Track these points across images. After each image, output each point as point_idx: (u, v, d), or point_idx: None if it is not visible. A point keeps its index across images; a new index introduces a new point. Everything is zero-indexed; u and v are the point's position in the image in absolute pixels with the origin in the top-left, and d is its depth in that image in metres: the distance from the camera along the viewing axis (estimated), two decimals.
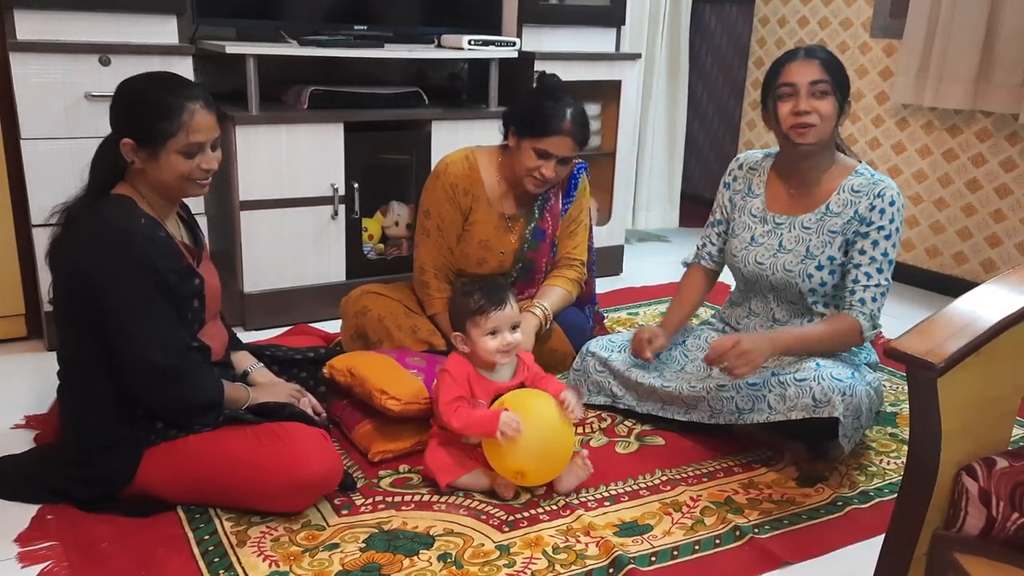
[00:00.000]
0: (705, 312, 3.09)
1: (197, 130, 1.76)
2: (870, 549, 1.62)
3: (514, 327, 1.98)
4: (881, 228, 2.05)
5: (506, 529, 1.82)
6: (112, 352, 1.74)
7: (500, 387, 1.98)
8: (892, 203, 2.05)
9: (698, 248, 2.41)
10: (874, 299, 2.05)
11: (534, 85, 2.49)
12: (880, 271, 2.05)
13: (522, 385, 2.02)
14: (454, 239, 2.44)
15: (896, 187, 2.09)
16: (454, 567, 1.68)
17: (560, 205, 2.54)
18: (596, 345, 2.36)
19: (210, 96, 1.82)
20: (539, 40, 3.33)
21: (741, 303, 2.33)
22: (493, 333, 1.95)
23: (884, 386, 2.51)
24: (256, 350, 2.20)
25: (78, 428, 1.81)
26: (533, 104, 2.35)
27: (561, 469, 1.93)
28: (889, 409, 2.46)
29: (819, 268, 2.11)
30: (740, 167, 2.31)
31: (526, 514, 1.88)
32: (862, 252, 2.06)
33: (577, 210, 2.56)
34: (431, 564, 1.69)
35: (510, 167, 2.41)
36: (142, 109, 1.75)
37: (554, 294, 2.47)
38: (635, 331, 2.31)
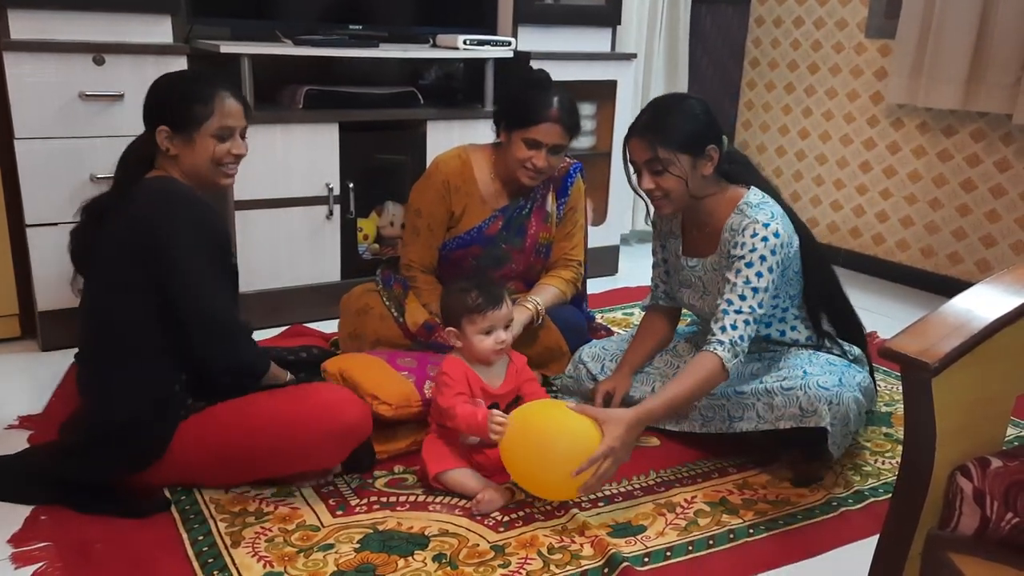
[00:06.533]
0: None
1: (229, 114, 1.89)
2: (865, 549, 1.62)
3: (507, 325, 1.99)
4: (741, 257, 1.94)
5: (501, 529, 1.81)
6: (174, 308, 1.78)
7: (494, 393, 1.98)
8: (755, 235, 1.93)
9: (652, 290, 2.34)
10: (734, 326, 1.92)
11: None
12: (742, 298, 1.93)
13: (515, 391, 2.03)
14: (442, 237, 2.46)
15: (769, 221, 1.95)
16: (449, 567, 1.68)
17: (550, 207, 2.52)
18: (588, 355, 2.36)
19: (238, 89, 1.97)
20: (534, 40, 3.33)
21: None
22: (488, 331, 1.95)
23: (880, 386, 2.51)
24: None
25: (111, 405, 1.82)
26: (519, 95, 2.34)
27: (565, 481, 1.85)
28: (884, 409, 2.46)
29: None
30: None
31: (521, 514, 1.87)
32: (725, 281, 1.98)
33: (573, 211, 2.54)
34: (426, 565, 1.69)
35: (503, 163, 2.40)
36: (178, 96, 1.87)
37: (548, 292, 2.47)
38: (596, 386, 2.25)
